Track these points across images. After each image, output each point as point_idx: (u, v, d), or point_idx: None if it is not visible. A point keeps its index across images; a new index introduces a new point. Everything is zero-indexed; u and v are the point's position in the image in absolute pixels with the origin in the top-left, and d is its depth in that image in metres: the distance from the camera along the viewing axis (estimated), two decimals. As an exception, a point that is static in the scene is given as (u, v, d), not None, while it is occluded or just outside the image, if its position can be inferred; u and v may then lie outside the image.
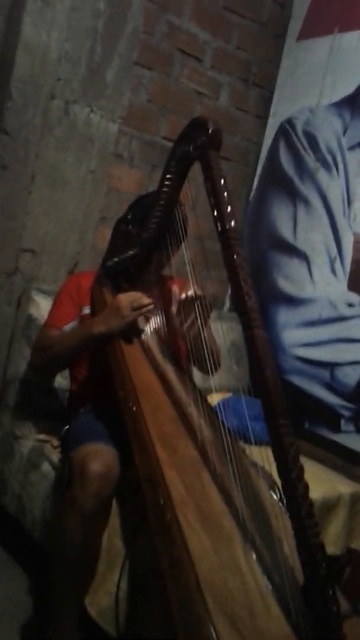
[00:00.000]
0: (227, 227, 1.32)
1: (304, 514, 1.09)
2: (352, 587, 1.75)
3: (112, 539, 1.50)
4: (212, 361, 1.54)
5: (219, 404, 2.23)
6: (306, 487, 1.12)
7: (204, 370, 1.64)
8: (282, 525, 1.24)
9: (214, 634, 0.99)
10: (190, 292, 1.55)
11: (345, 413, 2.21)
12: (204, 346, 1.54)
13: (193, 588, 1.06)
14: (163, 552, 1.14)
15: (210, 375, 1.61)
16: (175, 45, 2.37)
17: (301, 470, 1.13)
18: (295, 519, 1.10)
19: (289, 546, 1.19)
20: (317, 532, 1.09)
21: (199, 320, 1.54)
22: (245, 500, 1.29)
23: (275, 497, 1.40)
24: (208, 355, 1.51)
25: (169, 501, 1.20)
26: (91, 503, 1.41)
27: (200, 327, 1.54)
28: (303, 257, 2.40)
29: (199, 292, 1.53)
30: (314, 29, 2.49)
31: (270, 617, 1.10)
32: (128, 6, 2.06)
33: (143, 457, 1.31)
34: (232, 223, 1.33)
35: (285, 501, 1.13)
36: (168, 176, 1.56)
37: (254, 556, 1.19)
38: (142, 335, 1.67)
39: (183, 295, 1.56)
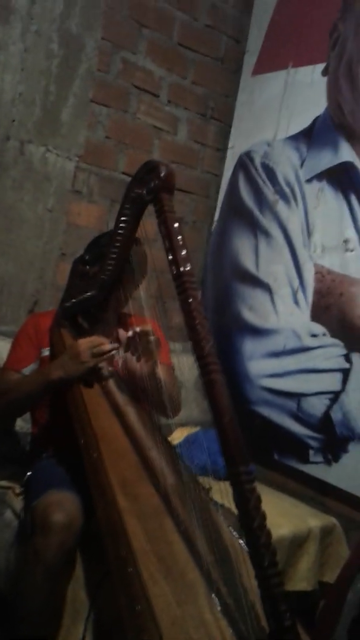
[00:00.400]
0: (182, 270, 1.31)
1: (267, 563, 1.07)
2: (326, 620, 1.73)
3: (77, 590, 1.46)
4: (169, 404, 1.53)
5: (186, 438, 2.21)
6: (268, 535, 1.11)
7: (166, 412, 1.63)
8: (248, 571, 1.22)
9: None
10: (147, 330, 1.55)
11: (313, 444, 2.21)
12: (159, 388, 1.52)
13: (156, 644, 1.03)
14: (125, 607, 1.11)
15: (172, 417, 1.59)
16: (131, 81, 2.39)
17: (263, 518, 1.11)
18: (258, 568, 1.08)
19: (254, 593, 1.17)
20: (281, 582, 1.07)
21: (154, 358, 1.54)
22: (209, 547, 1.27)
23: (241, 542, 1.37)
24: (166, 398, 1.50)
25: (130, 553, 1.17)
26: (54, 555, 1.37)
27: (156, 365, 1.53)
28: (266, 288, 2.41)
29: (144, 329, 1.53)
30: (268, 63, 2.54)
31: (237, 671, 1.07)
32: (82, 46, 2.07)
33: (104, 507, 1.28)
34: (187, 267, 1.32)
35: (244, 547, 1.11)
36: (123, 218, 1.55)
37: (219, 606, 1.16)
38: (103, 378, 1.65)
39: (130, 333, 1.56)
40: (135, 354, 1.56)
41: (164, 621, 1.07)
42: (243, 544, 1.34)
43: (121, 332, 1.63)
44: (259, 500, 1.11)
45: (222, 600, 1.17)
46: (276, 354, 2.35)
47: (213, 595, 1.17)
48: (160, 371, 1.59)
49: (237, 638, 1.11)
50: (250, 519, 1.10)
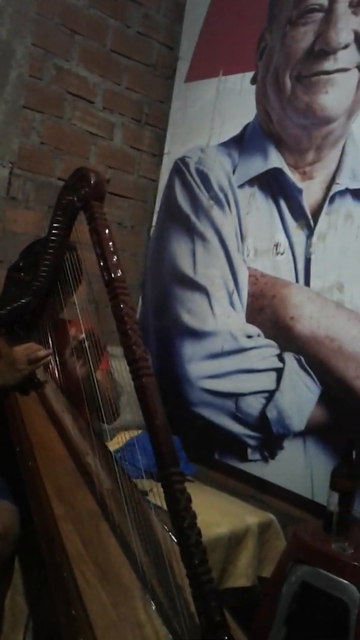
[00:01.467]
0: (114, 276, 1.34)
1: (197, 562, 1.10)
2: (263, 613, 1.78)
3: (15, 598, 1.47)
4: (108, 409, 1.55)
5: (128, 442, 2.23)
6: (199, 534, 1.13)
7: (103, 418, 1.64)
8: (181, 571, 1.25)
9: None
10: (82, 336, 1.57)
11: (251, 442, 2.26)
12: (98, 393, 1.54)
13: (91, 647, 1.05)
14: (61, 612, 1.12)
15: (109, 423, 1.61)
16: (65, 88, 2.39)
17: (194, 517, 1.14)
18: (189, 567, 1.11)
19: (188, 592, 1.20)
20: (211, 579, 1.10)
21: (89, 362, 1.56)
22: (144, 549, 1.29)
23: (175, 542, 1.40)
24: (103, 403, 1.52)
25: (65, 558, 1.19)
26: (-10, 564, 1.37)
27: (91, 370, 1.55)
28: (204, 291, 2.46)
29: (85, 335, 1.55)
30: (200, 71, 2.58)
31: (170, 668, 1.10)
32: (12, 53, 2.06)
33: (39, 514, 1.29)
34: (119, 273, 1.34)
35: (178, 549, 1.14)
36: (55, 225, 1.57)
37: (154, 606, 1.19)
38: (39, 385, 1.65)
39: (74, 343, 1.58)
40: (82, 357, 1.58)
41: (100, 624, 1.09)
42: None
43: (72, 332, 1.65)
44: (189, 500, 1.15)
45: (157, 600, 1.20)
46: (215, 356, 2.40)
47: (148, 596, 1.20)
48: (99, 375, 1.61)
49: (172, 637, 1.14)
50: (181, 519, 1.12)
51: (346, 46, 2.08)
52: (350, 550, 1.61)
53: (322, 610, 1.67)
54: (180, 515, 1.13)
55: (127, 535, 1.31)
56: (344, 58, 2.09)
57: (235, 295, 2.34)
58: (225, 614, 1.08)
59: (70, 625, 1.09)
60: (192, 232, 2.51)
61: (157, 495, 1.48)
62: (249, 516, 2.03)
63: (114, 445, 2.10)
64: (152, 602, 1.19)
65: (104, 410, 1.53)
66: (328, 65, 2.13)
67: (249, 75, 2.38)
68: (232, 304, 2.35)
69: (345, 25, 2.07)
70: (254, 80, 2.36)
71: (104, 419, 1.57)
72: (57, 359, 1.72)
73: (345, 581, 1.56)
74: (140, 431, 2.35)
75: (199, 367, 2.44)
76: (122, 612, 1.15)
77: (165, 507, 1.36)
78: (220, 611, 1.08)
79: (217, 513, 1.94)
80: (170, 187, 2.64)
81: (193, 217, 2.51)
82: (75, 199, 1.47)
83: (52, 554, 1.20)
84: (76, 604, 1.11)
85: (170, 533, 1.41)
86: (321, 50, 2.14)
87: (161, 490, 1.49)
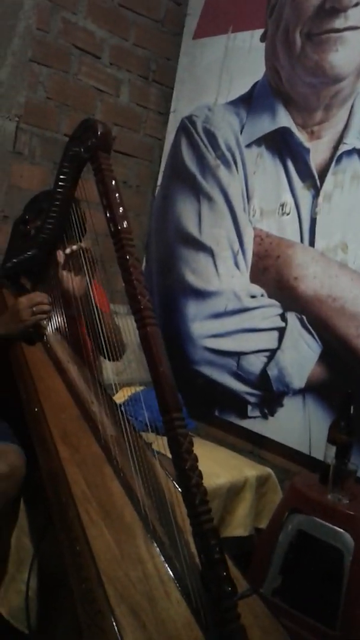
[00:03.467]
0: (120, 228, 1.34)
1: (198, 502, 1.14)
2: (260, 561, 1.84)
3: (21, 538, 1.52)
4: (113, 343, 1.58)
5: (130, 397, 2.27)
6: (200, 476, 1.17)
7: (108, 354, 1.68)
8: (182, 513, 1.29)
9: (114, 625, 1.03)
10: (75, 247, 1.59)
11: (251, 399, 2.30)
12: (101, 323, 1.56)
13: (94, 581, 1.10)
14: (66, 548, 1.17)
15: (115, 359, 1.64)
16: (72, 42, 2.36)
17: (195, 460, 1.17)
18: (190, 507, 1.14)
19: (189, 533, 1.24)
20: (210, 518, 1.14)
21: (87, 274, 1.59)
22: (147, 492, 1.33)
23: (177, 486, 1.45)
24: (107, 336, 1.55)
25: (70, 498, 1.23)
26: (-3, 503, 1.42)
27: (89, 280, 1.57)
28: (209, 251, 2.47)
29: (83, 245, 1.57)
30: (209, 27, 2.55)
31: (171, 603, 1.14)
32: (19, 4, 2.04)
33: (45, 457, 1.33)
34: (125, 224, 1.35)
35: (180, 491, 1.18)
36: (62, 177, 1.57)
37: (155, 545, 1.23)
38: (45, 334, 1.68)
39: (68, 250, 1.59)
40: (79, 269, 1.60)
41: (103, 560, 1.13)
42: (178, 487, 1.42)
43: (59, 253, 1.66)
44: (191, 443, 1.18)
45: (159, 540, 1.25)
46: (218, 315, 2.43)
47: (149, 535, 1.25)
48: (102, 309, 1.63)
49: (172, 574, 1.19)
50: (183, 461, 1.16)
51: (357, 4, 2.06)
52: (345, 501, 1.66)
53: (317, 558, 1.73)
54: (183, 457, 1.16)
55: (130, 479, 1.35)
56: (355, 16, 2.06)
57: (240, 256, 2.36)
58: (224, 553, 1.13)
59: (75, 562, 1.14)
60: (198, 192, 2.51)
61: (160, 447, 1.52)
62: (248, 469, 2.08)
63: (118, 399, 2.14)
64: (153, 542, 1.24)
65: (109, 345, 1.56)
66: (338, 23, 2.10)
67: (259, 32, 2.35)
68: (236, 264, 2.37)
69: (358, -19, 2.05)
70: (263, 38, 2.33)
71: (110, 355, 1.60)
72: (63, 311, 1.74)
73: (340, 529, 1.61)
74: (142, 388, 2.39)
75: (202, 326, 2.47)
76: (125, 549, 1.19)
77: (168, 455, 1.41)
78: (219, 549, 1.12)
79: (216, 465, 1.99)
80: (176, 146, 2.63)
81: (199, 177, 2.50)
82: (82, 150, 1.46)
83: (58, 494, 1.24)
84: (80, 540, 1.16)
85: (172, 479, 1.46)
86: (332, 7, 2.11)
87: (164, 443, 1.54)
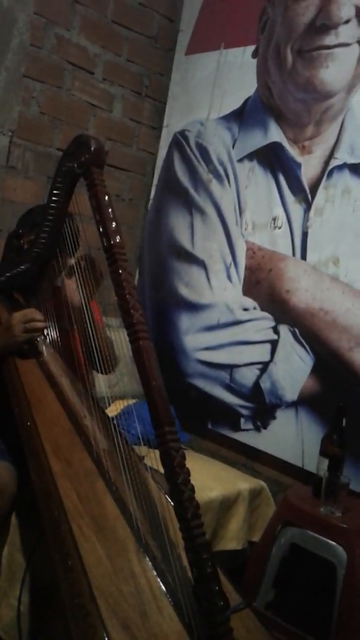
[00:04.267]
0: (112, 242, 1.36)
1: (190, 516, 1.14)
2: (253, 575, 1.83)
3: (13, 553, 1.51)
4: (106, 357, 1.58)
5: (122, 411, 2.27)
6: (192, 490, 1.17)
7: (100, 367, 1.68)
8: (175, 527, 1.29)
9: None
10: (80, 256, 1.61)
11: (244, 412, 2.31)
12: (96, 336, 1.57)
13: (86, 596, 1.09)
14: (58, 563, 1.17)
15: (107, 373, 1.65)
16: (66, 58, 2.39)
17: (187, 474, 1.18)
18: (182, 521, 1.15)
19: (181, 547, 1.24)
20: (203, 532, 1.14)
21: (90, 285, 1.60)
22: (139, 505, 1.33)
23: (170, 500, 1.45)
24: (100, 349, 1.56)
25: (62, 512, 1.23)
26: (-13, 520, 1.42)
27: (91, 292, 1.59)
28: (201, 264, 2.48)
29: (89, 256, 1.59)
30: (201, 43, 2.58)
31: (163, 617, 1.14)
32: (13, 21, 2.06)
33: (38, 471, 1.33)
34: (117, 239, 1.36)
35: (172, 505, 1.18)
36: (55, 191, 1.59)
37: (147, 559, 1.23)
38: (38, 348, 1.68)
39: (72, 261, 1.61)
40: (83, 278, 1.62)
41: (95, 574, 1.13)
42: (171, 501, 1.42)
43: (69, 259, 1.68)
44: (183, 457, 1.18)
45: (151, 554, 1.25)
46: (211, 328, 2.44)
47: (142, 549, 1.24)
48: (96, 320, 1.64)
49: (164, 588, 1.19)
50: (175, 475, 1.16)
51: (347, 21, 2.09)
52: (338, 514, 1.66)
53: (310, 572, 1.72)
54: (175, 471, 1.16)
55: (122, 493, 1.35)
56: (345, 33, 2.09)
57: (232, 269, 2.37)
58: (217, 567, 1.13)
59: (67, 577, 1.13)
60: (191, 206, 2.53)
61: (152, 460, 1.52)
62: (241, 482, 2.08)
63: (110, 412, 2.14)
64: (146, 556, 1.23)
65: (102, 358, 1.56)
66: (329, 39, 2.13)
67: (250, 49, 2.38)
68: (229, 277, 2.38)
69: (347, 0, 2.08)
70: (255, 54, 2.36)
71: (102, 368, 1.61)
72: (56, 325, 1.75)
73: (333, 542, 1.61)
74: (134, 401, 2.39)
75: (195, 339, 2.48)
76: (117, 563, 1.19)
77: (160, 470, 1.41)
78: (212, 563, 1.12)
79: (209, 478, 1.99)
80: (169, 160, 2.65)
81: (192, 191, 2.52)
82: (76, 165, 1.48)
83: (50, 509, 1.24)
84: (72, 554, 1.15)
85: (165, 494, 1.46)
86: (322, 24, 2.14)
87: (156, 456, 1.54)
